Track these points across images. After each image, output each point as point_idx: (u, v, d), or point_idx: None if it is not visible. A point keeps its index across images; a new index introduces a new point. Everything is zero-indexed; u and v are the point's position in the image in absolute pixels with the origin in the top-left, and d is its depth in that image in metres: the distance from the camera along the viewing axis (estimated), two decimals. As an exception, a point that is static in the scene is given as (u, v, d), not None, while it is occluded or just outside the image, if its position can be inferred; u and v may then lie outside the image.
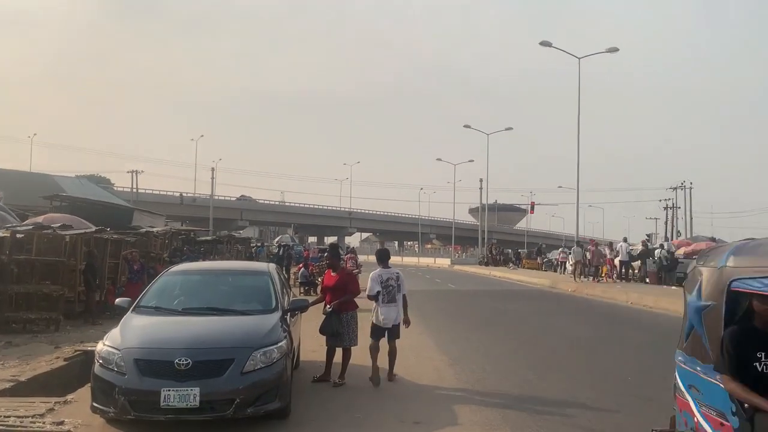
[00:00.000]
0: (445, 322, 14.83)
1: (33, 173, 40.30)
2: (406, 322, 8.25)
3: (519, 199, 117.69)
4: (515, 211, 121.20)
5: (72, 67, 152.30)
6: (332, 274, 8.37)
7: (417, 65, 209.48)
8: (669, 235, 61.30)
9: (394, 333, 8.17)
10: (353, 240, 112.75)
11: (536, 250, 51.12)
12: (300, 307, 7.74)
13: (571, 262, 30.47)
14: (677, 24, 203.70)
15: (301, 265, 24.72)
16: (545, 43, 31.58)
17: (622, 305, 19.62)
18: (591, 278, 27.52)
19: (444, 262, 62.39)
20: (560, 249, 46.93)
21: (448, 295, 23.96)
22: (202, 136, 78.35)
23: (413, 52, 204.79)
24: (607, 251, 28.94)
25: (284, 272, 28.58)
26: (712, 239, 39.94)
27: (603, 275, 27.73)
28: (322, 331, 8.15)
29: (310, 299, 8.55)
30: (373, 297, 8.06)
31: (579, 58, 31.49)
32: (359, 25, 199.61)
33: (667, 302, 18.22)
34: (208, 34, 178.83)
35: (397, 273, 8.27)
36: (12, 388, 7.62)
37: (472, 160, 67.10)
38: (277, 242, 46.01)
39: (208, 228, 61.27)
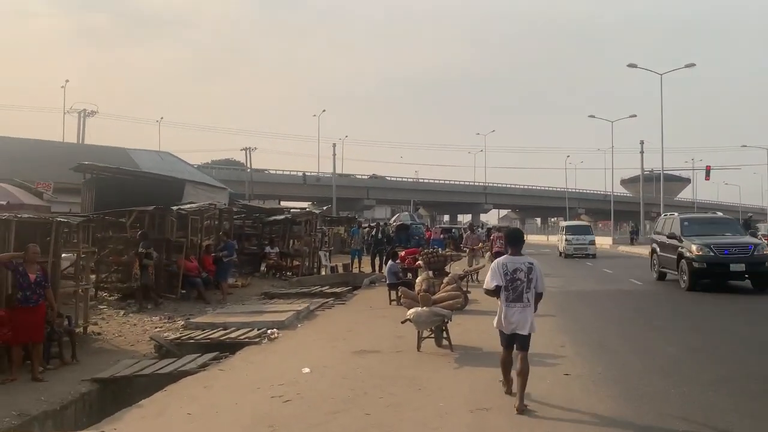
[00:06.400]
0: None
1: (107, 147, 35.86)
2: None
3: (681, 164, 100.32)
4: (675, 181, 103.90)
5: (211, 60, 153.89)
6: None
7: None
8: None
9: (523, 343, 5.93)
10: (490, 217, 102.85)
11: (745, 222, 34.87)
12: None
13: None
14: None
15: (404, 253, 16.10)
16: None
17: None
18: None
19: (603, 241, 49.91)
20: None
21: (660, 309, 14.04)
22: (324, 110, 72.04)
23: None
24: None
25: (380, 261, 20.47)
26: None
27: None
28: None
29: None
30: (492, 293, 6.03)
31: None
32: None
33: None
34: (340, 26, 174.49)
35: (530, 263, 5.99)
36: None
37: (635, 115, 54.43)
38: (394, 221, 37.72)
39: (331, 208, 54.63)
